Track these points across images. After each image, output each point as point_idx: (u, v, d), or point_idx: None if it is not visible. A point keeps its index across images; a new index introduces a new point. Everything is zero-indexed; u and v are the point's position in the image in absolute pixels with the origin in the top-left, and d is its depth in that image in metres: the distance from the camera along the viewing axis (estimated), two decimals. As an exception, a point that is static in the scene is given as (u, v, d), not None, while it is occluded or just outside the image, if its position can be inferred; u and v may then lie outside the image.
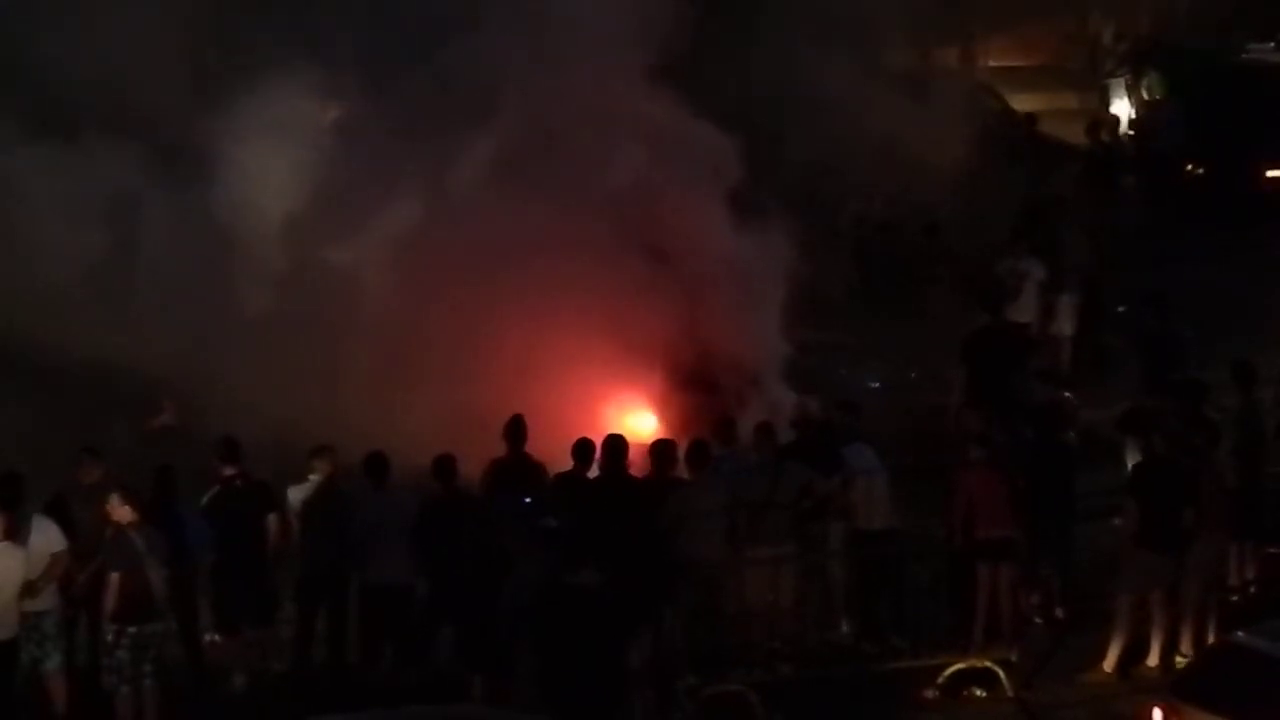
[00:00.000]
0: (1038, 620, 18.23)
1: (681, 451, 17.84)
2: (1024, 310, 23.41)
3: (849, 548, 17.89)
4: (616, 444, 17.67)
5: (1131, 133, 33.18)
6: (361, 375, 20.06)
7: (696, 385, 20.75)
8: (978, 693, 17.01)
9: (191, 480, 17.46)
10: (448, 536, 16.94)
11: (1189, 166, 30.38)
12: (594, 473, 17.63)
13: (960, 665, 17.07)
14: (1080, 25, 38.56)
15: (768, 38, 24.41)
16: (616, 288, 20.16)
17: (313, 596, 17.49)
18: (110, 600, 16.05)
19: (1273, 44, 33.50)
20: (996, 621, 17.68)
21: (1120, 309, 24.37)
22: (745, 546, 17.35)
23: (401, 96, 20.84)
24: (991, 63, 36.18)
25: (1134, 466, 17.99)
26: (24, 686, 16.35)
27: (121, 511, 16.17)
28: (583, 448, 17.62)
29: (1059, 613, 18.31)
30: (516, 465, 17.82)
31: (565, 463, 17.66)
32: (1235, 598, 18.29)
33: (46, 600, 16.24)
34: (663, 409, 20.70)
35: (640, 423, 20.48)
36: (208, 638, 17.56)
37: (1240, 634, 15.22)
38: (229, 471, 17.34)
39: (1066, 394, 21.30)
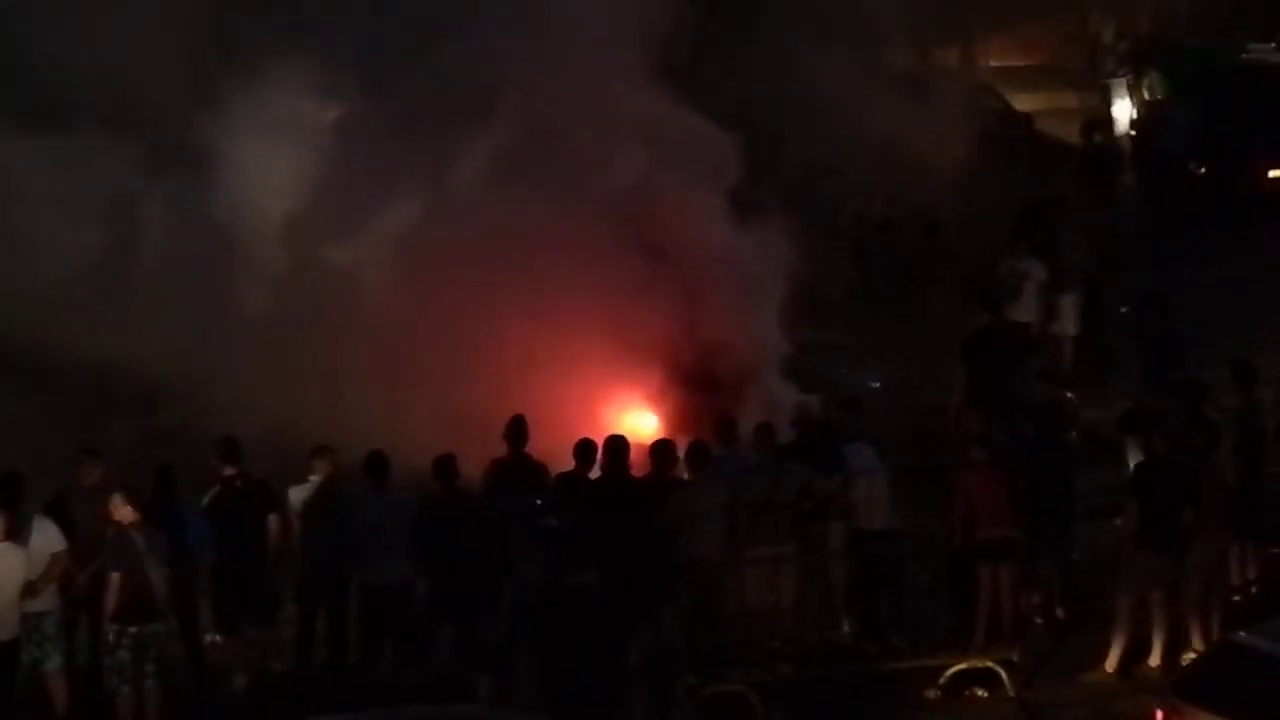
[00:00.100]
0: (1038, 620, 18.22)
1: (681, 451, 17.85)
2: (1025, 310, 23.38)
3: (849, 547, 17.89)
4: (617, 444, 17.67)
5: (1133, 133, 33.18)
6: (361, 375, 20.06)
7: (697, 385, 20.75)
8: (979, 693, 17.01)
9: (191, 480, 17.45)
10: (448, 536, 16.94)
11: (1191, 166, 30.36)
12: (595, 473, 17.63)
13: (961, 665, 17.07)
14: (1080, 25, 38.51)
15: (768, 38, 24.41)
16: (617, 287, 20.15)
17: (313, 596, 17.49)
18: (111, 600, 16.05)
19: (1273, 44, 33.45)
20: (997, 621, 17.67)
21: (1123, 309, 24.35)
22: (745, 546, 17.35)
23: (401, 96, 20.84)
24: (991, 63, 36.14)
25: (1135, 466, 17.99)
26: (24, 687, 16.34)
27: (123, 511, 16.17)
28: (584, 448, 17.62)
29: (1059, 613, 18.30)
30: (517, 465, 17.81)
31: (566, 463, 17.66)
32: (1236, 598, 18.27)
33: (46, 601, 16.23)
34: (663, 409, 20.71)
35: (641, 423, 20.48)
36: (208, 638, 17.56)
37: (1241, 634, 15.20)
38: (229, 471, 17.33)
39: (1067, 394, 21.28)
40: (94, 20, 20.81)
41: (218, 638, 17.58)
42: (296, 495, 17.40)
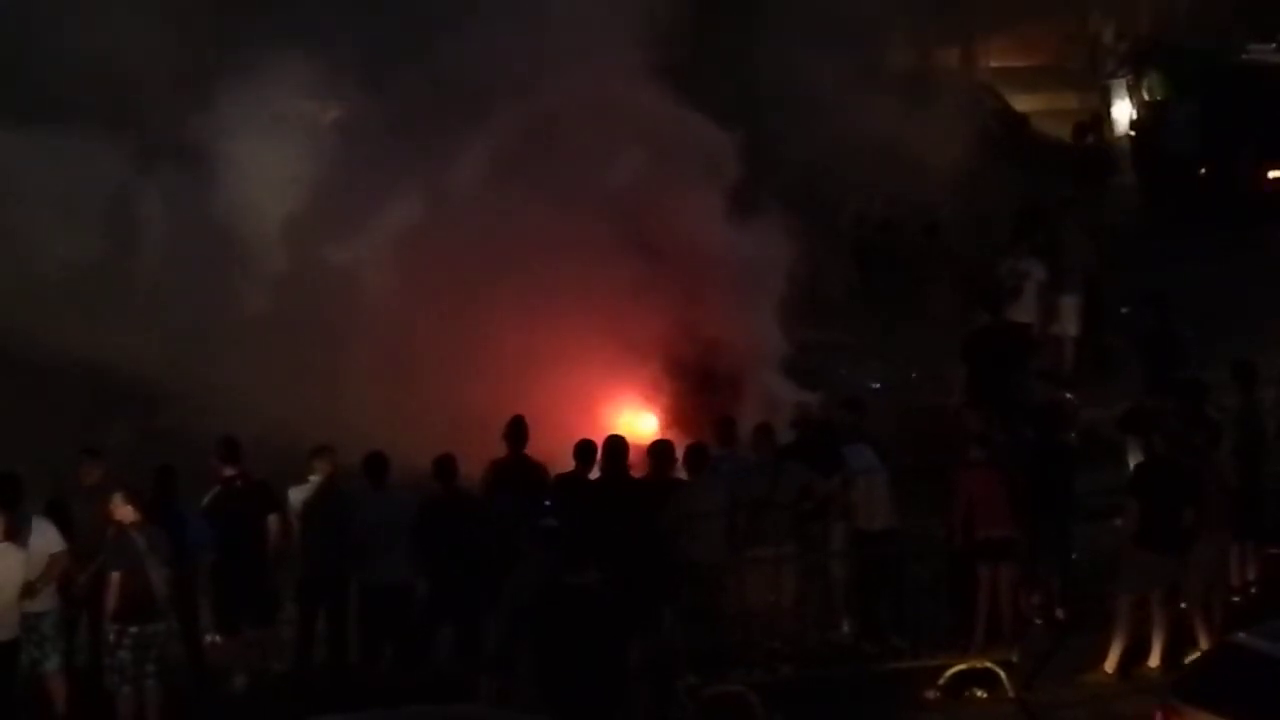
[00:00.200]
0: (1038, 620, 18.21)
1: (681, 452, 17.84)
2: (1025, 310, 23.37)
3: (849, 548, 17.88)
4: (617, 445, 17.67)
5: (1133, 133, 33.16)
6: (361, 375, 20.05)
7: (696, 385, 20.74)
8: (979, 693, 17.00)
9: (191, 480, 17.44)
10: (448, 536, 16.94)
11: (1192, 166, 30.35)
12: (595, 474, 17.62)
13: (961, 666, 17.07)
14: (1080, 25, 38.55)
15: (767, 38, 24.39)
16: (616, 287, 20.16)
17: (313, 597, 17.48)
18: (112, 600, 16.05)
19: (1273, 44, 33.46)
20: (997, 622, 17.67)
21: (1123, 309, 24.35)
22: (745, 546, 17.35)
23: (400, 94, 20.84)
24: (991, 63, 36.17)
25: (1135, 466, 17.98)
26: (24, 687, 16.33)
27: (124, 511, 16.16)
28: (584, 449, 17.61)
29: (1059, 613, 18.29)
30: (517, 466, 17.80)
31: (566, 463, 17.65)
32: (1236, 598, 18.27)
33: (45, 601, 16.22)
34: (662, 409, 20.70)
35: (640, 423, 20.47)
36: (208, 638, 17.56)
37: (1241, 634, 15.19)
38: (229, 472, 17.33)
39: (1067, 394, 21.28)
40: (93, 19, 20.80)
41: (218, 638, 17.58)
42: (296, 495, 17.39)
